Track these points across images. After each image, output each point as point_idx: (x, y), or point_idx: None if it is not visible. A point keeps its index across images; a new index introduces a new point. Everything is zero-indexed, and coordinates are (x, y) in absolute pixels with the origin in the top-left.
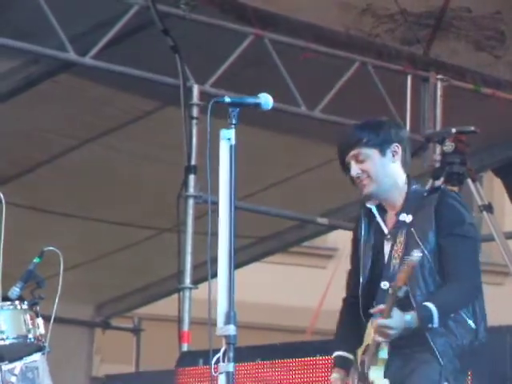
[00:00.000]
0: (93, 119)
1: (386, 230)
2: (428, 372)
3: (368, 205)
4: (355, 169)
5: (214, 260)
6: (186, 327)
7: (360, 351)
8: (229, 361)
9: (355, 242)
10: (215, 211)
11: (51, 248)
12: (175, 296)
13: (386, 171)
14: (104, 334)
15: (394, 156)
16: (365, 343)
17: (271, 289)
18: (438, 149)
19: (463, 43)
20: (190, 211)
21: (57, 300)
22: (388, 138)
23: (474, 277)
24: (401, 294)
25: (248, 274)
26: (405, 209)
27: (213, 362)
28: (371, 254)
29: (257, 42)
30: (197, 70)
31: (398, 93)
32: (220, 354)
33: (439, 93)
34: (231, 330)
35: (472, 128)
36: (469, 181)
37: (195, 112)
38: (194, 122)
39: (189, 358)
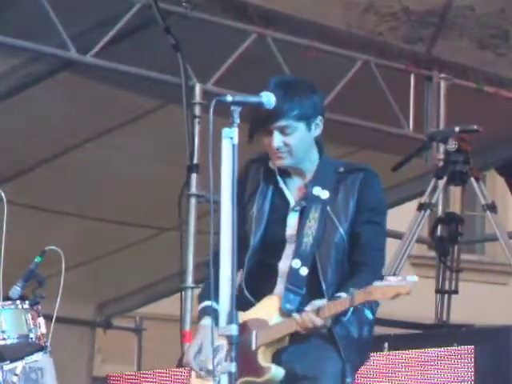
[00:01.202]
0: (94, 118)
1: (292, 201)
2: (331, 368)
3: (271, 166)
4: (278, 141)
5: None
6: (187, 327)
7: (245, 317)
8: (231, 361)
9: (240, 193)
10: (217, 210)
11: (52, 247)
12: (177, 295)
13: (307, 145)
14: (105, 333)
15: (316, 129)
16: (255, 314)
17: None
18: (442, 148)
19: (466, 42)
20: (192, 210)
21: (58, 299)
22: (315, 109)
23: (381, 270)
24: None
25: None
26: (318, 181)
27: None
28: (265, 220)
29: (259, 41)
30: (199, 69)
31: (401, 91)
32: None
33: (442, 91)
34: (233, 329)
35: (475, 127)
36: (472, 180)
37: (197, 111)
38: (196, 120)
39: None
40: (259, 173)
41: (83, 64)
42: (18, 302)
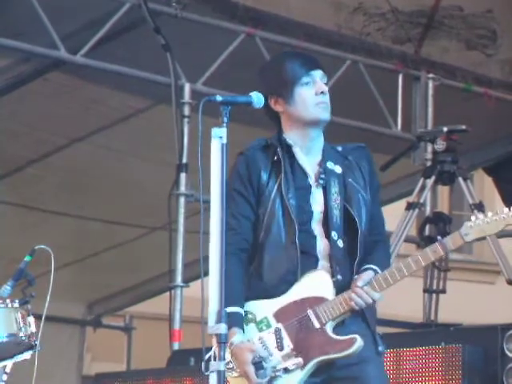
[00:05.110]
0: (84, 117)
1: (312, 177)
2: (366, 340)
3: (289, 142)
4: (325, 88)
5: (206, 258)
6: (177, 326)
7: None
8: (220, 359)
9: (257, 174)
10: (207, 209)
11: (42, 246)
12: (166, 294)
13: None
14: (95, 332)
15: None
16: (304, 291)
17: None
18: (430, 147)
19: (454, 42)
20: (182, 209)
21: (48, 298)
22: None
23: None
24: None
25: None
26: (328, 157)
27: (204, 360)
28: (296, 197)
29: (248, 41)
30: (188, 69)
31: (389, 92)
32: (211, 353)
33: (430, 92)
34: (222, 328)
35: (463, 127)
36: (460, 179)
37: (187, 110)
38: (186, 120)
39: (180, 357)
40: (268, 157)
41: (73, 64)
42: (8, 300)
